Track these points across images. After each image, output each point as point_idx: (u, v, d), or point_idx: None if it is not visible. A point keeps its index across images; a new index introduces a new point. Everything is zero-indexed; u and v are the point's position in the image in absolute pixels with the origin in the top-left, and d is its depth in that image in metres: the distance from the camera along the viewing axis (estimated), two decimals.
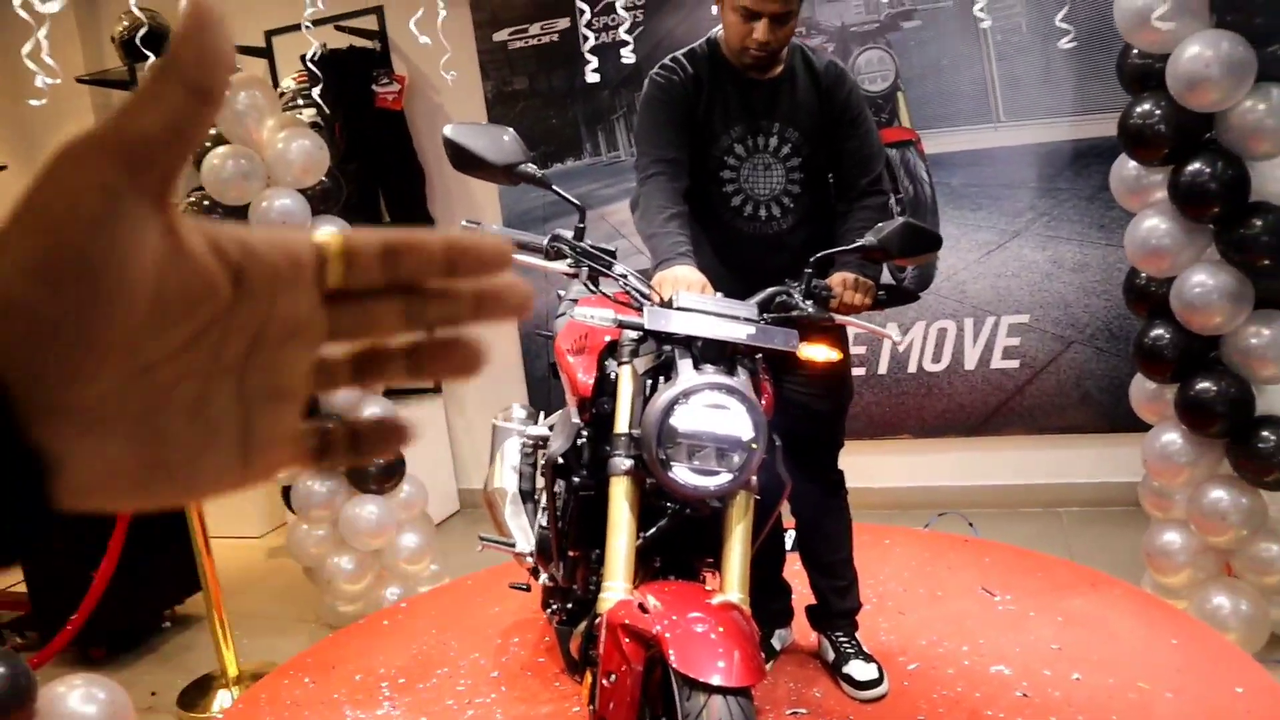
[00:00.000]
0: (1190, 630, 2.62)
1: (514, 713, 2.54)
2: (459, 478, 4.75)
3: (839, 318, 2.04)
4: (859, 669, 2.47)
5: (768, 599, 2.64)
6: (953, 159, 3.80)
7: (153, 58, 2.54)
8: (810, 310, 1.97)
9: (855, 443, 3.89)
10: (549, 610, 2.44)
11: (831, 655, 2.56)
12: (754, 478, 1.80)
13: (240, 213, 3.39)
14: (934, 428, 3.98)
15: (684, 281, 1.92)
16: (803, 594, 2.70)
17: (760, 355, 1.93)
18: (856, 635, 2.58)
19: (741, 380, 1.80)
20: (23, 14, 1.82)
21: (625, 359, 1.89)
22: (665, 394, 1.73)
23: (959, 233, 3.82)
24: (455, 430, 4.75)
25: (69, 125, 5.20)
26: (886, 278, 3.95)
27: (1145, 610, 2.76)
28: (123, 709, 2.01)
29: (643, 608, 1.62)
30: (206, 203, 3.44)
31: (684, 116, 2.28)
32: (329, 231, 0.36)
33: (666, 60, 2.33)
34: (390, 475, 3.49)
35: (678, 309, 1.82)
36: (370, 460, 0.37)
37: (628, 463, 1.78)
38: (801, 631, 2.73)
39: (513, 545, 2.57)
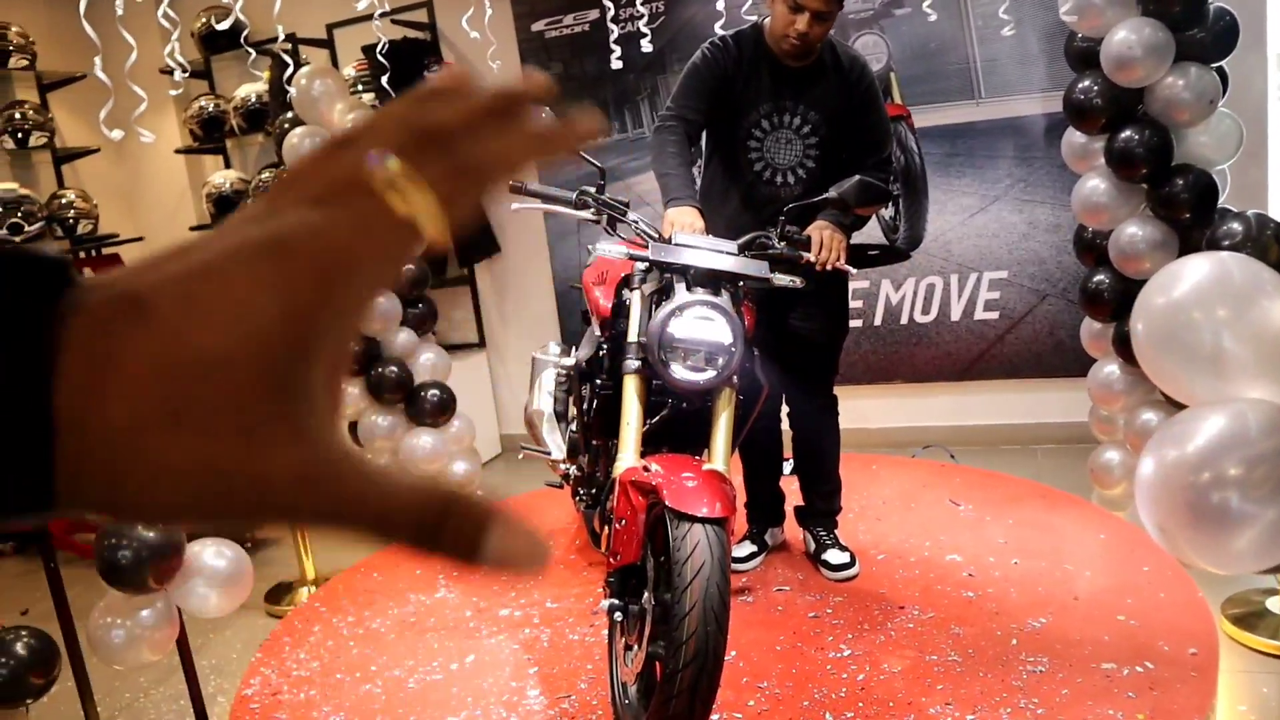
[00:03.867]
0: (1116, 527, 3.09)
1: (550, 594, 3.07)
2: (501, 423, 5.30)
3: (807, 256, 2.54)
4: (834, 555, 2.98)
5: (765, 502, 3.15)
6: (939, 132, 4.26)
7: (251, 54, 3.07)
8: (782, 250, 2.48)
9: (853, 387, 4.39)
10: (577, 497, 2.96)
11: (813, 546, 3.07)
12: (735, 377, 2.31)
13: None
14: (924, 373, 4.45)
15: (686, 218, 2.45)
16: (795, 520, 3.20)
17: (742, 283, 2.42)
18: (835, 532, 3.08)
19: (724, 300, 2.30)
20: (163, 22, 2.33)
21: (635, 285, 2.41)
22: (664, 309, 2.25)
23: (945, 198, 4.28)
24: (497, 379, 5.30)
25: (151, 112, 5.79)
26: (880, 238, 4.44)
27: (1084, 515, 3.24)
28: (244, 564, 2.57)
29: (646, 469, 2.14)
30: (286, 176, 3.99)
31: (716, 87, 2.76)
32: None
33: (717, 37, 2.83)
34: (443, 411, 4.03)
35: (675, 244, 2.34)
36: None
37: (636, 363, 2.30)
38: (790, 533, 3.24)
39: (549, 454, 3.10)
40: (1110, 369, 3.26)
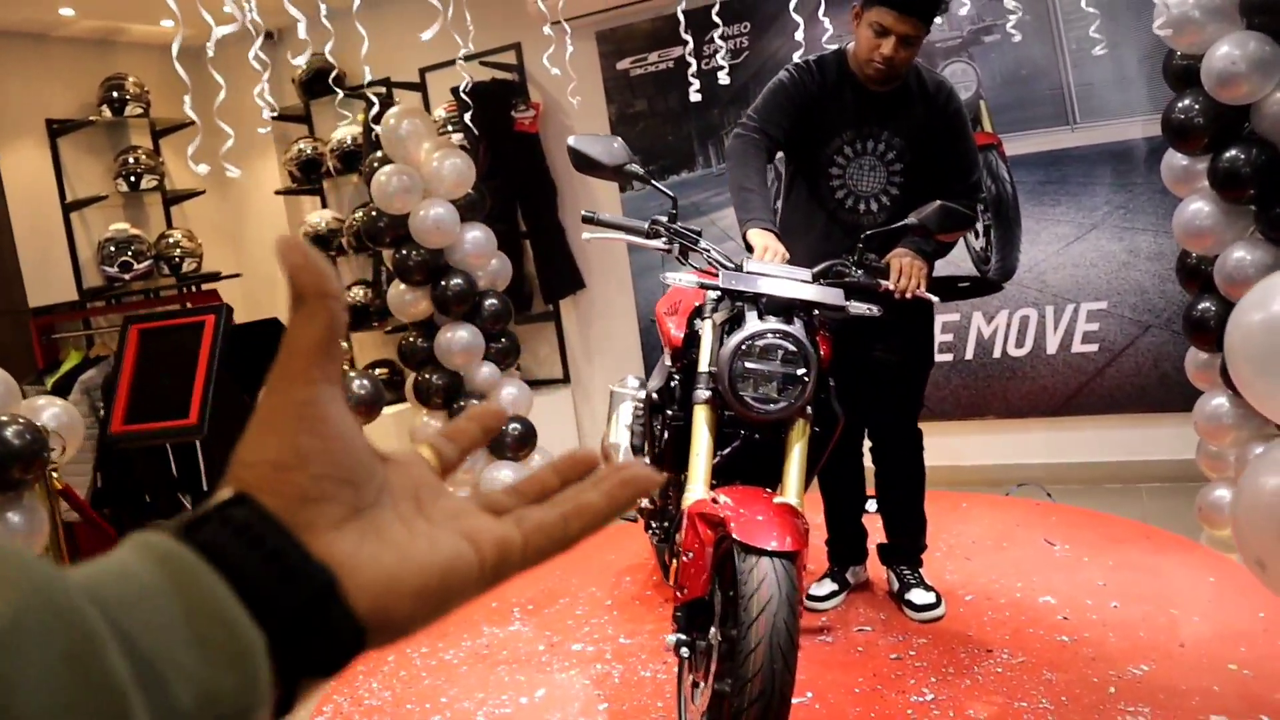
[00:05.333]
0: (1227, 570, 2.90)
1: (623, 629, 3.02)
2: None
3: (885, 284, 2.45)
4: (919, 595, 2.86)
5: (846, 539, 3.05)
6: (1032, 160, 4.13)
7: (339, 94, 3.17)
8: (859, 278, 2.40)
9: (943, 423, 4.26)
10: (649, 531, 2.91)
11: (896, 585, 2.95)
12: (809, 408, 2.24)
13: (402, 221, 4.01)
14: (1018, 409, 4.29)
15: (769, 241, 2.39)
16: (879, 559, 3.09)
17: (817, 311, 2.36)
18: (920, 571, 2.96)
19: (798, 328, 2.24)
20: (255, 64, 2.41)
21: (707, 315, 2.37)
22: (735, 337, 2.20)
23: (1039, 227, 4.14)
24: (581, 415, 5.29)
25: (254, 156, 6.02)
26: (972, 269, 4.31)
27: (1191, 557, 3.05)
28: None
29: (715, 501, 2.08)
30: (374, 212, 4.08)
31: (800, 107, 2.70)
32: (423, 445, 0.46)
33: (801, 60, 2.79)
34: (524, 444, 4.04)
35: (748, 272, 2.29)
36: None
37: (707, 393, 2.25)
38: (874, 572, 3.12)
39: None
40: (1218, 401, 3.08)
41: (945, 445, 3.74)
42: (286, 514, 0.37)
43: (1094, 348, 4.12)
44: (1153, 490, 4.04)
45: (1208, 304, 3.09)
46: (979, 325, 4.30)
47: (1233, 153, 2.91)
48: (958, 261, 4.27)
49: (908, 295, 2.48)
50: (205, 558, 0.34)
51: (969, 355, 4.34)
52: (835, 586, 3.01)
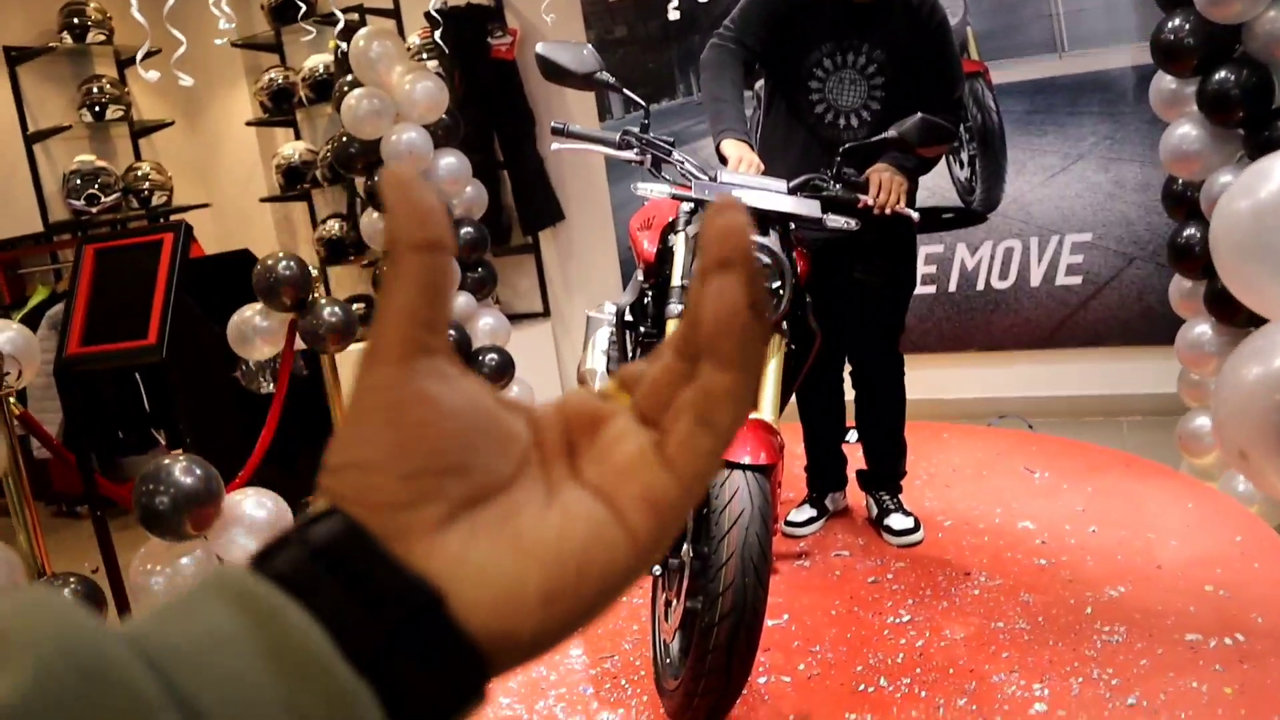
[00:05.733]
0: (1206, 497, 2.88)
1: None
2: (565, 392, 5.23)
3: (864, 199, 2.39)
4: (897, 520, 2.83)
5: (825, 466, 3.02)
6: (1019, 88, 4.05)
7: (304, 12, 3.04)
8: (837, 191, 2.33)
9: (925, 356, 4.22)
10: None
11: (875, 511, 2.92)
12: (784, 323, 2.18)
13: (374, 147, 3.91)
14: (1001, 342, 4.25)
15: (743, 153, 2.32)
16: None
17: (793, 225, 2.29)
18: (900, 497, 2.93)
19: (773, 240, 2.18)
20: None
21: (680, 228, 2.30)
22: None
23: (1025, 157, 4.07)
24: (562, 349, 5.23)
25: (224, 86, 5.87)
26: (955, 200, 4.24)
27: (1170, 484, 3.03)
28: (285, 514, 2.53)
29: None
30: (345, 138, 3.97)
31: (775, 20, 2.60)
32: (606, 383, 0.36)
33: None
34: (501, 375, 3.98)
35: (722, 183, 2.21)
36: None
37: (680, 308, 2.19)
38: (853, 499, 3.09)
39: None
40: (1201, 329, 3.04)
41: (927, 378, 3.69)
42: (378, 524, 0.30)
43: (1078, 280, 4.07)
44: (1133, 423, 4.03)
45: (1193, 230, 3.04)
46: (963, 257, 4.24)
47: (1222, 74, 2.83)
48: (942, 192, 4.20)
49: (887, 211, 2.42)
50: (286, 590, 0.28)
51: (952, 288, 4.29)
52: (814, 512, 2.98)
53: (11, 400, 2.73)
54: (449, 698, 0.29)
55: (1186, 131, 2.97)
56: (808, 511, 2.97)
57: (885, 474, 2.94)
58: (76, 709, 0.23)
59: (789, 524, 2.91)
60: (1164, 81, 3.09)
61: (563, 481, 0.33)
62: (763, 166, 2.35)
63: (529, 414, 0.35)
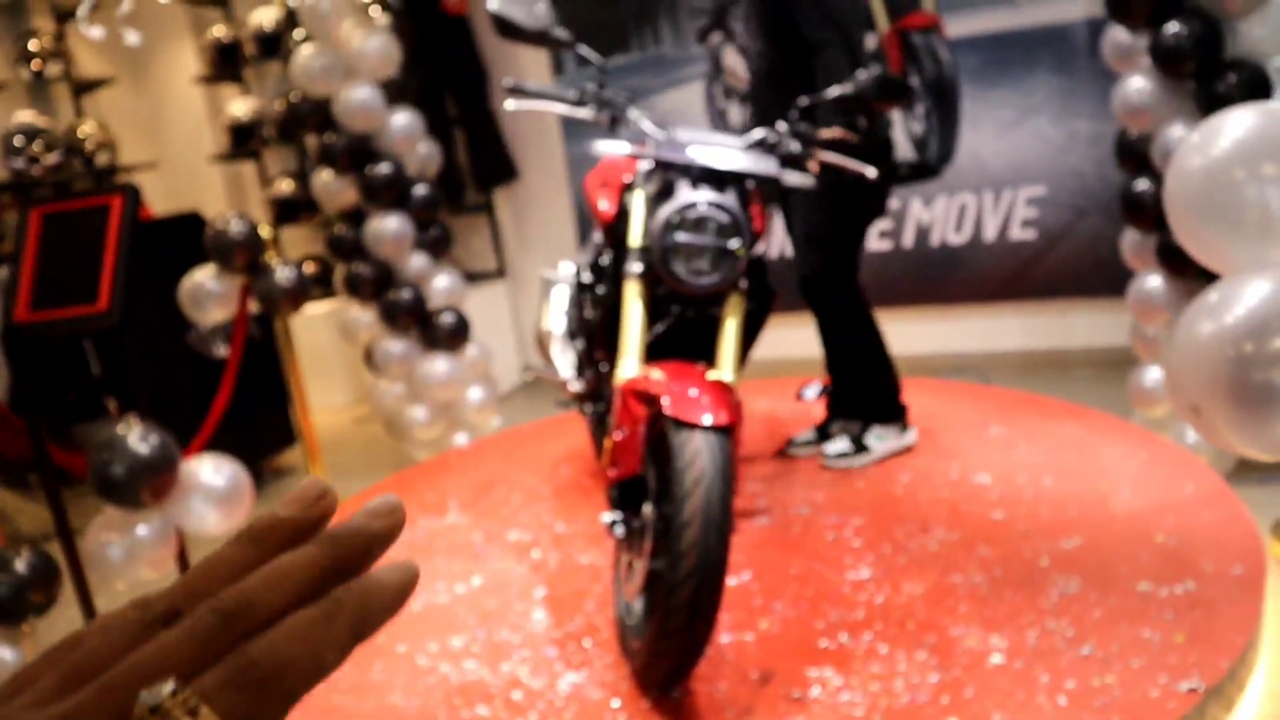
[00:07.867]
0: (1157, 448, 2.93)
1: (560, 518, 2.99)
2: (522, 353, 5.21)
3: (821, 154, 2.38)
4: (832, 446, 2.95)
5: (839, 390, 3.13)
6: (974, 42, 4.04)
7: None
8: (792, 148, 2.32)
9: (881, 311, 4.22)
10: (582, 413, 2.86)
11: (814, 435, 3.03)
12: (742, 281, 2.18)
13: (325, 105, 3.82)
14: (956, 296, 4.28)
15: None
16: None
17: (751, 182, 2.28)
18: (861, 436, 3.01)
19: (730, 199, 2.16)
20: None
21: (638, 187, 2.27)
22: (667, 209, 2.11)
23: (979, 110, 4.07)
24: (518, 309, 5.19)
25: (169, 40, 5.70)
26: (910, 154, 4.23)
27: (1123, 436, 3.08)
28: (243, 481, 2.50)
29: (648, 378, 2.02)
30: (295, 96, 3.88)
31: None
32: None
33: None
34: (458, 336, 3.94)
35: (679, 141, 2.19)
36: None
37: (639, 267, 2.17)
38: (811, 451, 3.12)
39: (558, 374, 2.99)
40: (1153, 281, 3.08)
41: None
42: None
43: (1032, 234, 4.10)
44: (1086, 376, 4.09)
45: (1144, 183, 3.06)
46: (917, 213, 4.26)
47: (1174, 27, 2.85)
48: (896, 145, 4.19)
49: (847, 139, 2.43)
50: None
51: (908, 244, 4.30)
52: (812, 436, 3.07)
53: None
54: None
55: (1139, 84, 2.99)
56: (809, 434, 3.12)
57: (848, 403, 3.02)
58: None
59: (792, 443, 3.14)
60: (1116, 34, 3.09)
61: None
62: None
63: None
